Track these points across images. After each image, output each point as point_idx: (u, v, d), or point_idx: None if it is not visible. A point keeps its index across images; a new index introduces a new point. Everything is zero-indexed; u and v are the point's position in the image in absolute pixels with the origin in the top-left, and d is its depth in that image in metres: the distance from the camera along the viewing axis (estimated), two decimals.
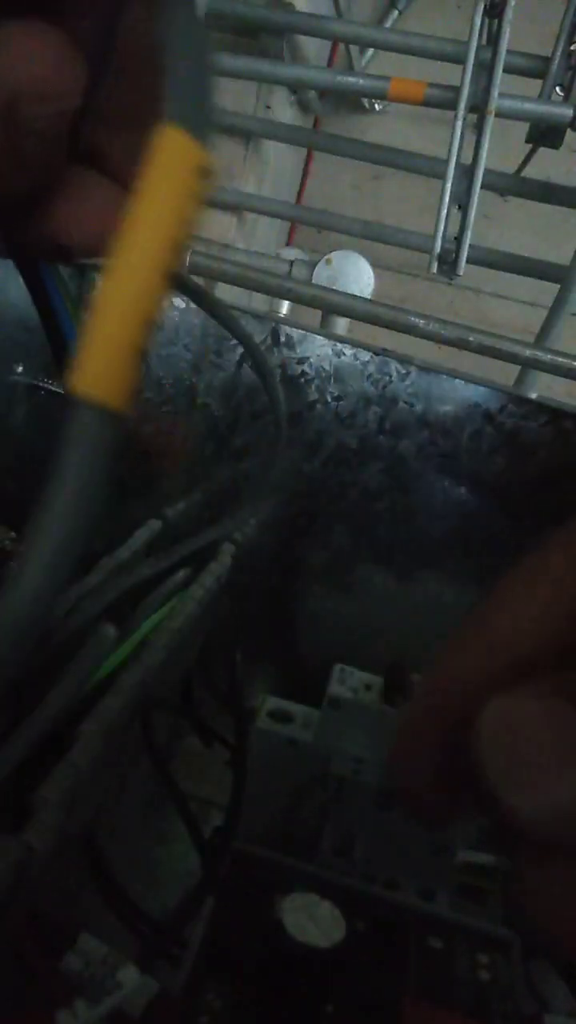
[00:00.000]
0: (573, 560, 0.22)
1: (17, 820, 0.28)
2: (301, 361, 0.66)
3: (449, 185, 1.86)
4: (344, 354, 0.66)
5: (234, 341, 0.67)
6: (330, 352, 0.66)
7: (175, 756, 0.62)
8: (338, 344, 0.66)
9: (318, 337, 0.66)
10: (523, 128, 2.08)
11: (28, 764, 0.31)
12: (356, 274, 2.07)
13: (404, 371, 0.65)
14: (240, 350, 0.67)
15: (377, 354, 0.65)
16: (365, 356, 0.66)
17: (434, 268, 1.92)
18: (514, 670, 0.21)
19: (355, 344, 0.65)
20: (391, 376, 0.65)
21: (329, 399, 0.67)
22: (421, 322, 1.33)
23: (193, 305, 0.68)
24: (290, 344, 0.66)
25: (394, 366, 0.65)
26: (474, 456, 0.66)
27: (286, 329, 0.66)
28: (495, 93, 1.81)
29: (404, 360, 0.64)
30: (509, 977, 0.46)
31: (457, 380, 0.64)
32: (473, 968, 0.46)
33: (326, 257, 2.09)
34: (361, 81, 2.12)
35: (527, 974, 0.50)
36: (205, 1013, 0.41)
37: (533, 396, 0.64)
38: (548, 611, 0.22)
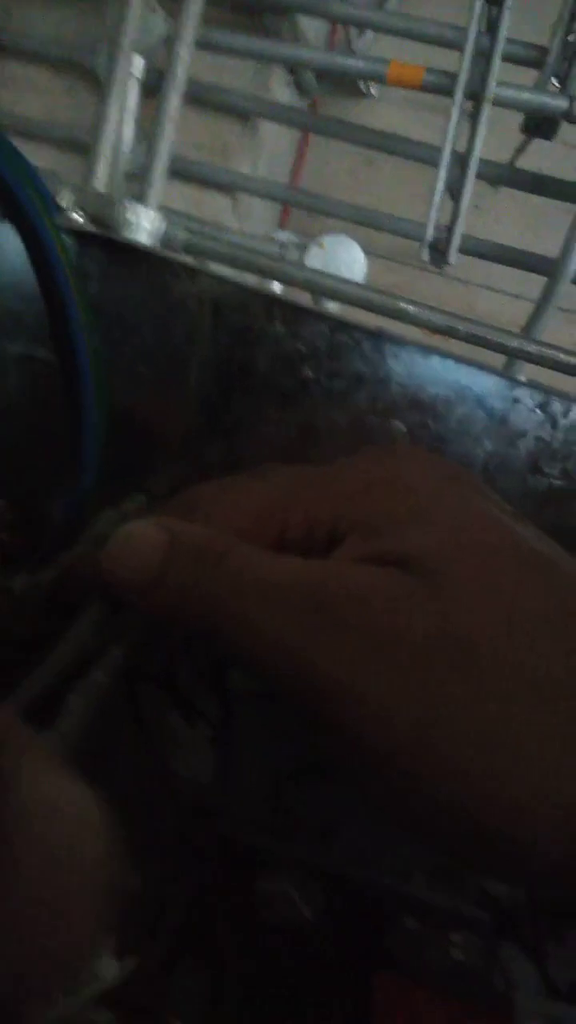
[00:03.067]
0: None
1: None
2: (295, 338, 0.66)
3: (443, 173, 1.86)
4: (339, 332, 0.66)
5: (230, 316, 0.67)
6: (325, 330, 0.66)
7: (157, 732, 0.62)
8: (333, 322, 0.66)
9: (314, 314, 0.66)
10: (516, 119, 2.08)
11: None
12: (348, 259, 2.07)
13: (397, 351, 0.65)
14: (236, 325, 0.67)
15: (371, 333, 0.65)
16: (359, 335, 0.65)
17: (425, 256, 1.92)
18: None
19: (350, 323, 0.65)
20: (384, 356, 0.65)
21: (323, 377, 0.67)
22: (412, 308, 1.34)
23: (191, 280, 0.67)
24: (285, 320, 0.66)
25: (388, 346, 0.65)
26: (464, 438, 0.66)
27: (282, 305, 0.66)
28: (493, 81, 1.81)
29: (398, 340, 0.64)
30: (481, 957, 0.47)
31: (449, 361, 0.64)
32: (446, 947, 0.47)
33: (319, 241, 2.09)
34: (361, 63, 2.12)
35: (497, 954, 0.50)
36: (182, 989, 0.41)
37: (523, 379, 0.64)
38: None
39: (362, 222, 2.42)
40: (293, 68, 2.53)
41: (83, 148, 2.23)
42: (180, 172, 2.26)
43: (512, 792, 0.25)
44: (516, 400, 0.64)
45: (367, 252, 2.12)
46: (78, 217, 0.99)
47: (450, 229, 1.87)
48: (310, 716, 0.29)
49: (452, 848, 0.28)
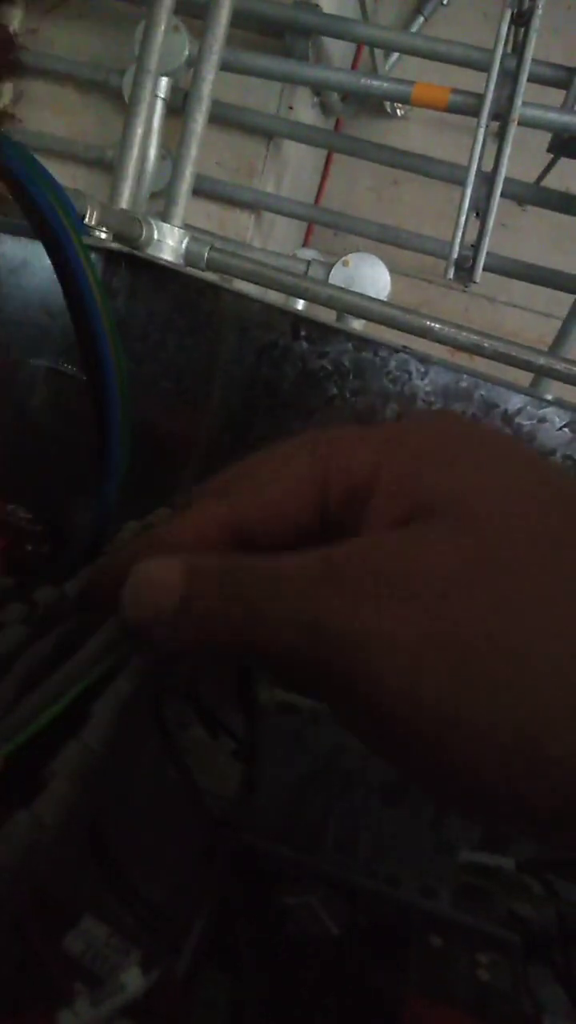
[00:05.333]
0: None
1: (28, 795, 0.28)
2: (321, 355, 0.66)
3: (469, 192, 1.86)
4: (364, 350, 0.66)
5: (255, 333, 0.67)
6: (350, 348, 0.66)
7: (180, 746, 0.62)
8: (358, 340, 0.66)
9: (339, 332, 0.66)
10: (543, 138, 2.08)
11: (40, 742, 0.31)
12: (373, 277, 2.07)
13: (423, 369, 0.65)
14: (260, 343, 0.67)
15: (397, 351, 0.65)
16: (385, 353, 0.66)
17: (451, 274, 1.92)
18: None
19: (375, 341, 0.65)
20: (410, 374, 0.65)
21: (348, 394, 0.67)
22: (437, 326, 1.33)
23: (217, 299, 0.68)
24: (310, 338, 0.66)
25: (413, 364, 0.65)
26: None
27: (307, 323, 0.66)
28: (519, 101, 1.81)
29: (424, 358, 0.64)
30: (509, 978, 0.46)
31: (476, 380, 0.64)
32: (473, 967, 0.46)
33: (343, 259, 2.09)
34: (385, 84, 2.13)
35: (526, 976, 0.49)
36: (205, 1003, 0.41)
37: (550, 397, 0.64)
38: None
39: (386, 240, 2.43)
40: (318, 89, 2.55)
41: (108, 166, 2.25)
42: (204, 190, 2.27)
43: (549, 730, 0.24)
44: (543, 419, 0.64)
45: (391, 270, 2.12)
46: (103, 235, 0.99)
47: (475, 247, 1.87)
48: (340, 696, 0.28)
49: (488, 805, 0.27)
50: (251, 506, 0.33)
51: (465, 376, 0.65)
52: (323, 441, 0.34)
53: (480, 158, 1.85)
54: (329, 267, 2.12)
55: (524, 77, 1.81)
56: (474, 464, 0.29)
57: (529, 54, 1.79)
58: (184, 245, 1.36)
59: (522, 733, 0.24)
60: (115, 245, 0.75)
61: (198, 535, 0.33)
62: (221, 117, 2.19)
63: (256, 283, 1.39)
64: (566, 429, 0.63)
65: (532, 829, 0.27)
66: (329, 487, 0.32)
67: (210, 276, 1.20)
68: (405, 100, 2.11)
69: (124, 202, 1.77)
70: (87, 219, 0.96)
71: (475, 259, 1.88)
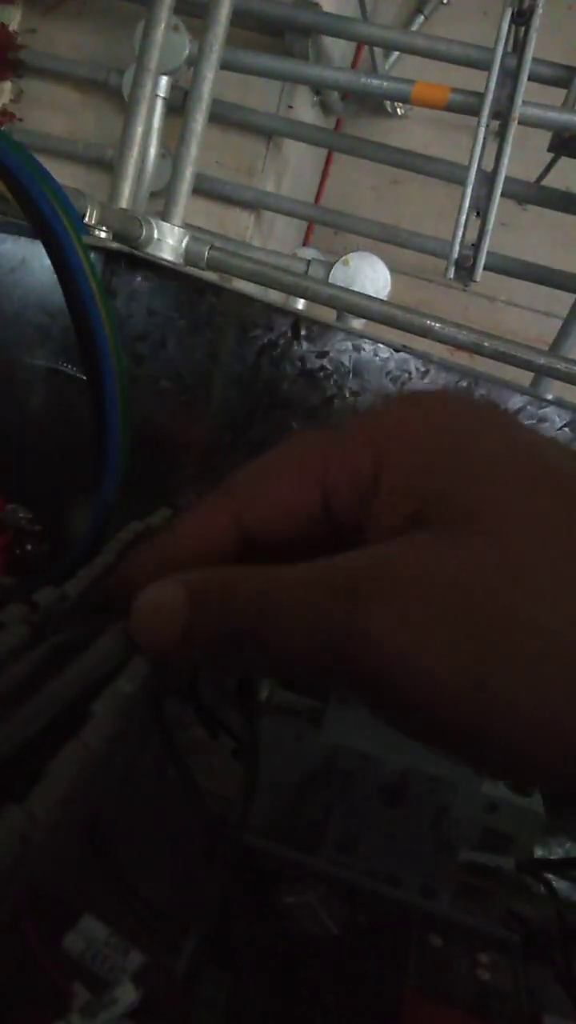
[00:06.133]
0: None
1: (22, 791, 0.28)
2: (321, 355, 0.66)
3: (469, 191, 1.86)
4: (364, 349, 0.66)
5: (255, 333, 0.67)
6: (350, 347, 0.66)
7: (180, 745, 0.62)
8: (358, 339, 0.66)
9: (339, 332, 0.66)
10: (543, 137, 2.08)
11: (40, 742, 0.31)
12: (373, 276, 2.07)
13: (423, 368, 0.65)
14: (260, 342, 0.67)
15: (397, 351, 0.65)
16: (385, 352, 0.65)
17: (451, 273, 1.92)
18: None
19: (375, 340, 0.65)
20: (410, 373, 0.65)
21: (347, 394, 0.67)
22: (437, 325, 1.33)
23: (217, 299, 0.68)
24: (310, 338, 0.66)
25: (413, 363, 0.65)
26: None
27: (307, 323, 0.66)
28: (519, 100, 1.81)
29: (424, 357, 0.64)
30: (509, 978, 0.46)
31: (476, 379, 0.64)
32: (473, 967, 0.46)
33: (344, 258, 2.09)
34: (385, 84, 2.12)
35: (526, 976, 0.49)
36: (205, 1002, 0.41)
37: (550, 397, 0.64)
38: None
39: (386, 239, 2.43)
40: (318, 88, 2.55)
41: (108, 166, 2.25)
42: (204, 190, 2.27)
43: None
44: (544, 418, 0.64)
45: (392, 269, 2.12)
46: (103, 234, 0.99)
47: (476, 246, 1.87)
48: (361, 689, 0.29)
49: (520, 779, 0.29)
50: (255, 506, 0.33)
51: (465, 375, 0.64)
52: (325, 438, 0.34)
53: (480, 157, 1.85)
54: (329, 266, 2.12)
55: (524, 76, 1.80)
56: (479, 460, 0.29)
57: (529, 53, 1.78)
58: (184, 244, 1.36)
59: (564, 719, 0.25)
60: (115, 244, 0.75)
61: (203, 536, 0.34)
62: (221, 116, 2.19)
63: (256, 282, 1.39)
64: (566, 429, 0.63)
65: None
66: (332, 485, 0.32)
67: (210, 275, 1.20)
68: (405, 99, 2.11)
69: (124, 201, 1.77)
70: (87, 218, 0.96)
71: (475, 258, 1.88)
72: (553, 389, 1.69)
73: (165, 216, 1.66)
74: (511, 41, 1.83)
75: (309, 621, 0.28)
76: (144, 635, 0.32)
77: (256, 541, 0.34)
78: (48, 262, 0.41)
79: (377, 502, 0.31)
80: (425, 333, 1.34)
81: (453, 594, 0.26)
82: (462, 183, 1.88)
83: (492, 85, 1.82)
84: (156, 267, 0.70)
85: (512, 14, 1.78)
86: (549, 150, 2.13)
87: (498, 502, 0.28)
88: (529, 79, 1.82)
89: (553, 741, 0.26)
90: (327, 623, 0.28)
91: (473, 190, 1.86)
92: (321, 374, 0.67)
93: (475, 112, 1.86)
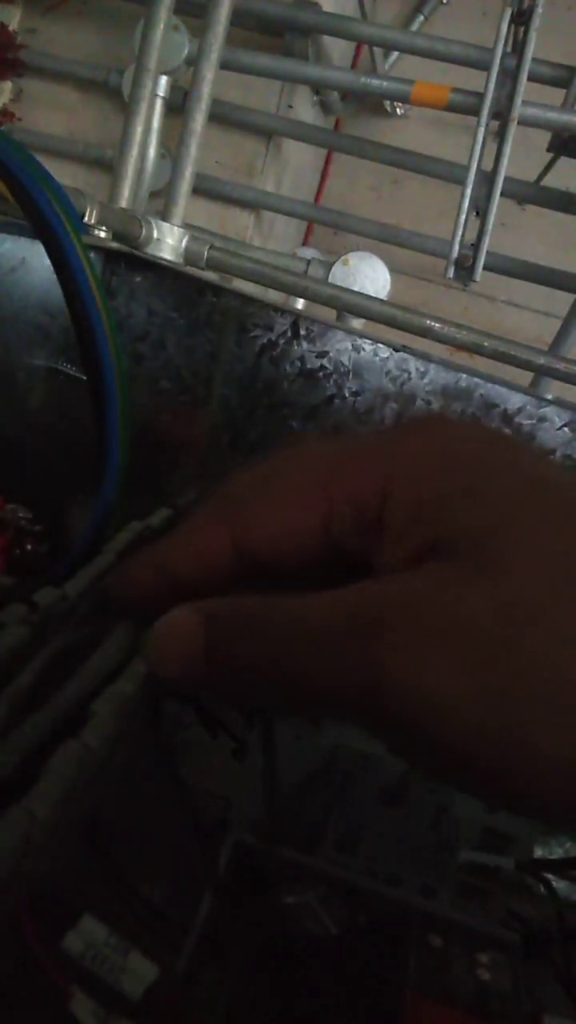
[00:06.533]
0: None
1: (22, 791, 0.28)
2: (320, 355, 0.66)
3: (469, 191, 1.86)
4: (363, 349, 0.66)
5: (255, 333, 0.67)
6: (349, 347, 0.66)
7: (179, 745, 0.62)
8: (358, 339, 0.66)
9: (338, 332, 0.66)
10: (543, 137, 2.08)
11: (42, 744, 0.31)
12: (373, 275, 2.07)
13: (423, 368, 0.65)
14: (260, 342, 0.67)
15: (397, 350, 0.65)
16: (384, 352, 0.65)
17: (451, 273, 1.92)
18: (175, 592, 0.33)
19: (375, 340, 0.65)
20: (410, 373, 0.65)
21: (347, 394, 0.67)
22: (437, 325, 1.33)
23: (217, 298, 0.68)
24: (310, 337, 0.66)
25: (413, 363, 0.65)
26: None
27: (306, 322, 0.66)
28: (518, 100, 1.81)
29: (423, 357, 0.64)
30: (509, 978, 0.46)
31: (476, 379, 0.64)
32: (473, 967, 0.46)
33: (343, 257, 2.09)
34: (385, 83, 2.12)
35: (525, 976, 0.49)
36: (204, 1001, 0.41)
37: (550, 397, 0.64)
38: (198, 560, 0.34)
39: (386, 239, 2.43)
40: (318, 88, 2.55)
41: (107, 165, 2.25)
42: (204, 189, 2.27)
43: None
44: (543, 418, 0.64)
45: (391, 269, 2.12)
46: (102, 234, 0.99)
47: (475, 246, 1.87)
48: (391, 735, 0.28)
49: (546, 818, 0.28)
50: (255, 524, 0.33)
51: (465, 375, 0.64)
52: (327, 463, 0.33)
53: (480, 157, 1.85)
54: (329, 266, 2.12)
55: (524, 76, 1.80)
56: (489, 491, 0.29)
57: (529, 53, 1.78)
58: (184, 244, 1.36)
59: None
60: (114, 244, 0.75)
61: (201, 549, 0.34)
62: (221, 116, 2.19)
63: (256, 282, 1.39)
64: (566, 428, 0.63)
65: None
66: (335, 512, 0.32)
67: (210, 275, 1.21)
68: (405, 99, 2.11)
69: (124, 201, 1.77)
70: (86, 218, 0.95)
71: (475, 258, 1.88)
72: (552, 389, 1.69)
73: (165, 216, 1.66)
74: (511, 41, 1.83)
75: (333, 660, 0.28)
76: (158, 660, 0.32)
77: (253, 557, 0.33)
78: (48, 262, 0.41)
79: (384, 536, 0.31)
80: (425, 333, 1.34)
81: (476, 635, 0.26)
82: (462, 183, 1.88)
83: (492, 85, 1.82)
84: (156, 267, 0.70)
85: (512, 14, 1.78)
86: (549, 150, 2.13)
87: (512, 534, 0.27)
88: (529, 79, 1.82)
89: None
90: (351, 663, 0.27)
91: (473, 190, 1.86)
92: (321, 374, 0.67)
93: (475, 112, 1.85)
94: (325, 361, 0.66)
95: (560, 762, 0.25)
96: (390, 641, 0.27)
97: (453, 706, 0.26)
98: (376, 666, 0.27)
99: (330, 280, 2.05)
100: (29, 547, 0.56)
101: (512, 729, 0.25)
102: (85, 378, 0.43)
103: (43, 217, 0.40)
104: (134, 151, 1.76)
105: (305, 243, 3.07)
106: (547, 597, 0.26)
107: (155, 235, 1.26)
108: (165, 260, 1.03)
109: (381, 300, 1.40)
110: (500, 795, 0.28)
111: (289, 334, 0.67)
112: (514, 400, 0.64)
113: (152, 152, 2.14)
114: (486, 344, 1.33)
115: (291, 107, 2.44)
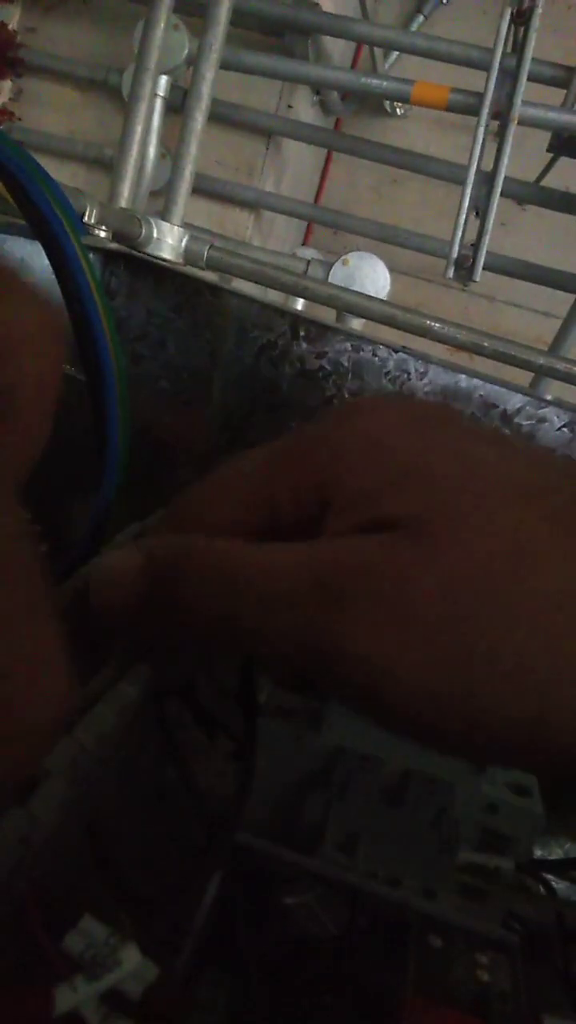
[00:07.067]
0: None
1: (22, 793, 0.28)
2: (320, 355, 0.66)
3: (468, 191, 1.86)
4: (363, 350, 0.66)
5: (254, 333, 0.67)
6: (349, 347, 0.66)
7: (179, 745, 0.62)
8: (357, 340, 0.66)
9: (338, 332, 0.66)
10: (543, 137, 2.08)
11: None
12: (372, 275, 2.07)
13: (423, 369, 0.65)
14: (260, 342, 0.67)
15: (396, 351, 0.65)
16: (384, 353, 0.65)
17: (450, 273, 1.92)
18: None
19: (374, 340, 0.65)
20: (410, 374, 0.65)
21: (346, 395, 0.66)
22: (436, 325, 1.33)
23: (216, 299, 0.68)
24: (309, 338, 0.66)
25: (413, 364, 0.65)
26: None
27: (306, 323, 0.66)
28: (518, 100, 1.81)
29: (423, 358, 0.64)
30: (509, 979, 0.46)
31: (475, 380, 0.64)
32: (473, 968, 0.46)
33: (343, 257, 2.09)
34: (385, 84, 2.12)
35: (526, 977, 0.49)
36: (204, 1003, 0.41)
37: (549, 397, 0.64)
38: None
39: (386, 239, 2.43)
40: (318, 88, 2.55)
41: (107, 165, 2.25)
42: (204, 189, 2.27)
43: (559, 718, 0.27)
44: (543, 419, 0.64)
45: (391, 269, 2.12)
46: (102, 234, 0.99)
47: (475, 246, 1.87)
48: (344, 693, 0.30)
49: (521, 764, 0.30)
50: (200, 528, 0.34)
51: (464, 376, 0.64)
52: (272, 455, 0.34)
53: (480, 157, 1.85)
54: (329, 266, 2.12)
55: (524, 76, 1.80)
56: (430, 477, 0.30)
57: (529, 53, 1.79)
58: (183, 244, 1.36)
59: (533, 719, 0.27)
60: (114, 244, 0.75)
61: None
62: (221, 116, 2.19)
63: (256, 282, 1.39)
64: (565, 429, 0.63)
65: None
66: (278, 507, 0.33)
67: (209, 275, 1.20)
68: (405, 99, 2.11)
69: (123, 201, 1.77)
70: (86, 218, 0.96)
71: (475, 258, 1.88)
72: (552, 389, 1.69)
73: (164, 216, 1.66)
74: (511, 41, 1.83)
75: (291, 619, 0.28)
76: (102, 604, 0.32)
77: None
78: (47, 262, 0.41)
79: (329, 525, 0.31)
80: (424, 333, 1.34)
81: (424, 609, 0.27)
82: (461, 183, 1.88)
83: (491, 85, 1.82)
84: (155, 267, 0.70)
85: (512, 14, 1.78)
86: (548, 150, 2.13)
87: (450, 514, 0.28)
88: (528, 79, 1.82)
89: (541, 739, 0.27)
90: (309, 629, 0.28)
91: (472, 190, 1.86)
92: (320, 374, 0.67)
93: (475, 112, 1.86)
94: (324, 362, 0.66)
95: (522, 720, 0.27)
96: (351, 614, 0.28)
97: (403, 673, 0.27)
98: (337, 635, 0.28)
99: (330, 280, 2.05)
100: None
101: (455, 692, 0.27)
102: (84, 378, 0.43)
103: (42, 217, 0.40)
104: (134, 151, 1.76)
105: (305, 243, 3.07)
106: (484, 573, 0.27)
107: (155, 235, 1.27)
108: (165, 260, 1.03)
109: (381, 300, 1.40)
110: (447, 746, 0.29)
111: (288, 334, 0.67)
112: (514, 401, 0.64)
113: (152, 152, 2.14)
114: (486, 344, 1.33)
115: (291, 107, 2.44)
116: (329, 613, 0.28)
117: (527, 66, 1.80)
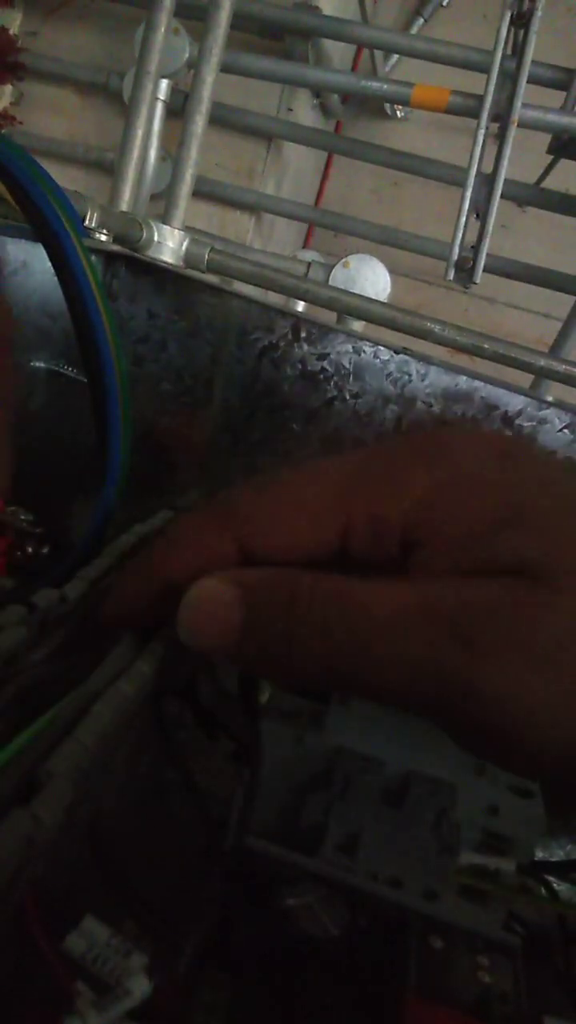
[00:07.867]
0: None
1: (26, 795, 0.28)
2: (321, 357, 0.66)
3: (469, 193, 1.86)
4: (364, 352, 0.66)
5: (255, 335, 0.67)
6: (350, 349, 0.66)
7: (179, 745, 0.62)
8: (358, 342, 0.66)
9: (339, 334, 0.66)
10: (543, 140, 2.09)
11: (38, 741, 0.31)
12: (373, 278, 2.07)
13: (424, 371, 0.65)
14: (261, 344, 0.67)
15: (397, 353, 0.65)
16: (385, 355, 0.66)
17: (451, 275, 1.92)
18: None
19: (375, 342, 0.65)
20: (411, 375, 0.65)
21: (348, 396, 0.67)
22: (437, 328, 1.33)
23: (217, 301, 0.68)
24: (311, 340, 0.66)
25: (414, 366, 0.65)
26: None
27: (307, 325, 0.66)
28: (518, 102, 1.81)
29: (424, 360, 0.64)
30: (510, 980, 0.46)
31: (476, 382, 0.64)
32: (474, 970, 0.46)
33: (344, 260, 2.09)
34: (385, 86, 2.12)
35: (527, 978, 0.49)
36: (205, 1003, 0.41)
37: (550, 399, 0.64)
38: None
39: (386, 242, 2.43)
40: (318, 91, 2.55)
41: (108, 168, 2.25)
42: (204, 192, 2.27)
43: None
44: (544, 420, 0.64)
45: (392, 271, 2.12)
46: (103, 237, 0.99)
47: (476, 248, 1.87)
48: (466, 731, 0.29)
49: None
50: (268, 534, 0.33)
51: (465, 378, 0.64)
52: (343, 479, 0.33)
53: (480, 160, 1.85)
54: (329, 268, 2.12)
55: (524, 79, 1.80)
56: (536, 518, 0.30)
57: (529, 55, 1.78)
58: (184, 247, 1.36)
59: None
60: (115, 247, 0.75)
61: (204, 561, 0.33)
62: (221, 119, 2.19)
63: (256, 285, 1.39)
64: (566, 431, 0.63)
65: None
66: (355, 529, 0.32)
67: (210, 278, 1.20)
68: (405, 102, 2.11)
69: (124, 204, 1.77)
70: (87, 221, 0.96)
71: (475, 260, 1.88)
72: (553, 391, 1.69)
73: (165, 219, 1.66)
74: (511, 44, 1.83)
75: (413, 657, 0.28)
76: (190, 631, 0.31)
77: (261, 563, 0.33)
78: (49, 264, 0.41)
79: (426, 555, 0.31)
80: (425, 335, 1.34)
81: (555, 648, 0.27)
82: (462, 185, 1.88)
83: (491, 88, 1.82)
84: (156, 269, 0.70)
85: (511, 16, 1.78)
86: (548, 152, 2.13)
87: (567, 555, 0.28)
88: (528, 81, 1.82)
89: None
90: (435, 667, 0.28)
91: (473, 192, 1.86)
92: (321, 376, 0.67)
93: (475, 114, 1.86)
94: (326, 363, 0.66)
95: None
96: (480, 650, 0.27)
97: (533, 710, 0.27)
98: (471, 674, 0.27)
99: (330, 282, 2.05)
100: (30, 549, 0.56)
101: None
102: (86, 380, 0.43)
103: (44, 220, 0.40)
104: (135, 154, 1.76)
105: (305, 245, 3.07)
106: None
107: (155, 238, 1.26)
108: (166, 263, 1.03)
109: (381, 302, 1.40)
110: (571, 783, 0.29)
111: (290, 336, 0.67)
112: (514, 402, 0.64)
113: (152, 155, 2.14)
114: (486, 346, 1.33)
115: (291, 110, 2.44)
116: (459, 652, 0.27)
117: (527, 68, 1.79)
